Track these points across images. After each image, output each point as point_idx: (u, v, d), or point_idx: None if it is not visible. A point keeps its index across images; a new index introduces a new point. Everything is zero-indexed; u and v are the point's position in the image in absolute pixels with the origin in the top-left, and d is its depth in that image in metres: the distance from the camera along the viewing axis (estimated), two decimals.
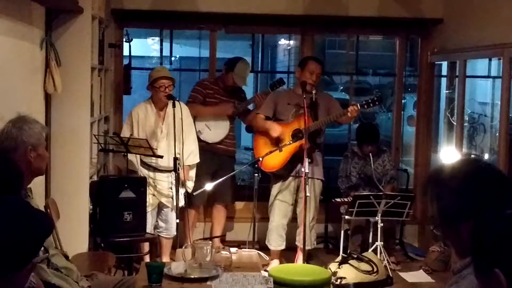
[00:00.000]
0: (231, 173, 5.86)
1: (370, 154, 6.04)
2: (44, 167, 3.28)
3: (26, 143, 3.12)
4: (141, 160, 5.50)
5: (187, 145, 5.43)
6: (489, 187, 1.87)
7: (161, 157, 5.27)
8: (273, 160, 5.66)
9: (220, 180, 5.50)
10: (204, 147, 5.85)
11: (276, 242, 5.86)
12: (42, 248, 2.01)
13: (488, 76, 8.43)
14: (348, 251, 5.63)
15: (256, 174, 5.51)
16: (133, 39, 6.48)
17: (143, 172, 5.49)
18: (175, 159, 5.21)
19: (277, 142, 5.71)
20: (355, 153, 6.17)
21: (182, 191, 5.45)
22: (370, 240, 5.70)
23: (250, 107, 6.30)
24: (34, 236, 1.83)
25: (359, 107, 5.57)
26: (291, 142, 5.58)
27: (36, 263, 1.92)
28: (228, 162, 6.16)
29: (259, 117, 5.84)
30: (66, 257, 3.46)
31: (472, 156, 2.06)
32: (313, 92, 5.59)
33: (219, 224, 6.23)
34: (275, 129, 5.68)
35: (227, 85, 6.04)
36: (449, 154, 6.24)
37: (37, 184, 4.20)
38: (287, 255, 5.98)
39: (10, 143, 3.11)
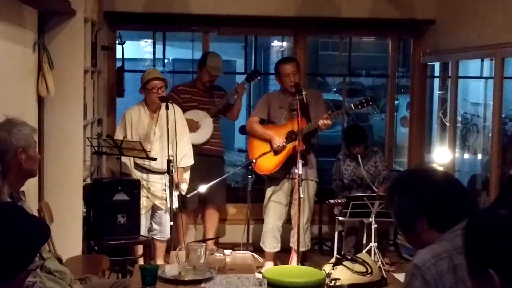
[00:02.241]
0: (224, 175, 5.85)
1: (359, 155, 6.05)
2: (35, 168, 3.27)
3: (15, 146, 3.10)
4: (134, 162, 5.49)
5: (181, 147, 5.42)
6: (430, 185, 2.13)
7: (155, 159, 5.25)
8: (268, 162, 5.65)
9: (214, 182, 5.48)
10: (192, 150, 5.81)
11: (271, 244, 5.85)
12: (38, 255, 2.00)
13: (480, 77, 8.46)
14: (342, 253, 5.63)
15: (250, 176, 5.50)
16: (126, 42, 6.46)
17: (137, 174, 5.48)
18: (169, 161, 5.19)
19: (271, 144, 5.71)
20: (346, 155, 6.18)
21: (175, 193, 5.44)
22: (364, 241, 5.71)
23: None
24: (30, 243, 1.82)
25: (331, 120, 5.54)
26: (285, 143, 5.58)
27: (31, 270, 1.90)
28: (218, 163, 6.16)
29: (254, 122, 5.82)
30: (60, 260, 3.45)
31: (416, 166, 2.55)
32: (304, 93, 5.56)
33: (212, 226, 6.22)
34: (277, 141, 5.64)
35: (204, 82, 6.02)
36: (442, 155, 6.26)
37: (30, 187, 4.19)
38: (281, 256, 5.97)
39: (0, 147, 3.10)
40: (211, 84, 6.07)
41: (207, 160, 5.92)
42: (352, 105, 5.68)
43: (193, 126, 5.89)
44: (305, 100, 5.51)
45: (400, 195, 2.17)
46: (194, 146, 5.81)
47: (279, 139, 5.64)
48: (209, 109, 6.01)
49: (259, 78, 6.24)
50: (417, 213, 2.11)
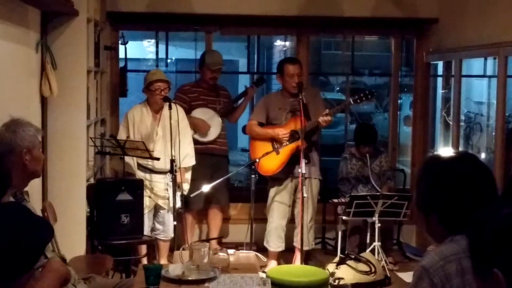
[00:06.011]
0: (227, 175, 5.84)
1: (368, 155, 6.05)
2: (40, 169, 3.27)
3: (20, 146, 3.11)
4: (137, 163, 5.49)
5: (183, 147, 5.41)
6: (463, 190, 1.99)
7: (158, 159, 5.26)
8: (272, 163, 5.63)
9: (217, 181, 5.48)
10: (198, 149, 5.82)
11: (275, 243, 5.84)
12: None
13: (483, 76, 8.44)
14: (346, 252, 5.63)
15: (253, 176, 5.49)
16: (129, 42, 6.48)
17: (139, 174, 5.48)
18: (172, 161, 5.20)
19: (273, 144, 5.70)
20: (352, 154, 6.17)
21: (178, 193, 5.44)
22: (368, 241, 5.70)
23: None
24: (35, 243, 1.82)
25: (331, 116, 5.52)
26: (288, 143, 5.57)
27: (35, 269, 1.91)
28: (223, 162, 6.17)
29: (254, 124, 5.81)
30: (64, 260, 3.45)
31: (465, 154, 1.95)
32: (302, 95, 5.53)
33: (215, 226, 6.22)
34: (281, 132, 5.62)
35: (208, 80, 6.03)
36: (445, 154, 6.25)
37: (34, 187, 4.19)
38: (285, 256, 5.97)
39: (5, 147, 3.10)
40: (215, 82, 6.08)
41: (212, 159, 5.93)
42: (351, 99, 5.69)
43: (204, 128, 5.90)
44: (304, 101, 5.50)
45: (425, 185, 2.09)
46: (201, 144, 5.84)
47: (282, 130, 5.61)
48: (216, 108, 6.03)
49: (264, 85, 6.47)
50: (433, 210, 2.04)
